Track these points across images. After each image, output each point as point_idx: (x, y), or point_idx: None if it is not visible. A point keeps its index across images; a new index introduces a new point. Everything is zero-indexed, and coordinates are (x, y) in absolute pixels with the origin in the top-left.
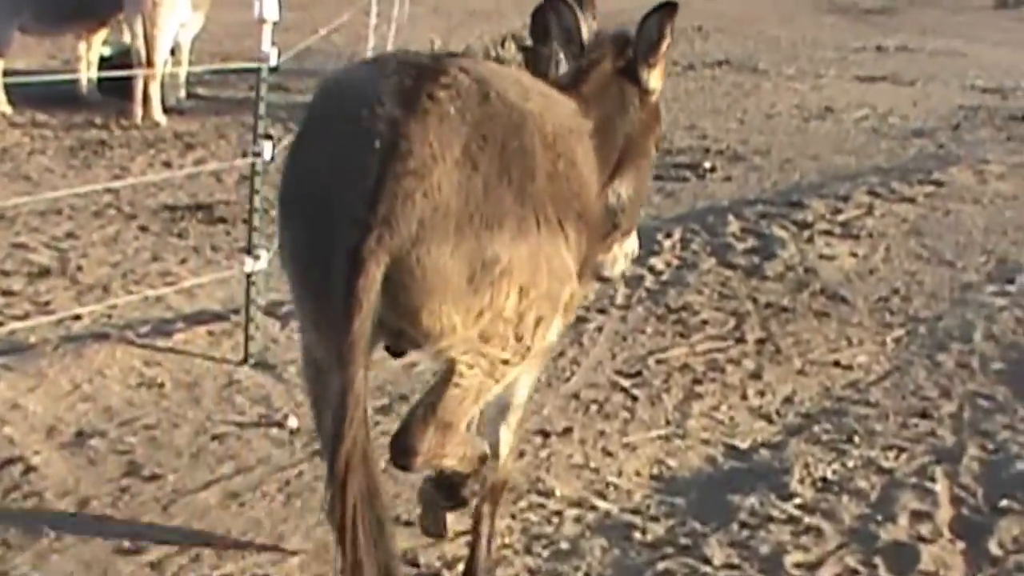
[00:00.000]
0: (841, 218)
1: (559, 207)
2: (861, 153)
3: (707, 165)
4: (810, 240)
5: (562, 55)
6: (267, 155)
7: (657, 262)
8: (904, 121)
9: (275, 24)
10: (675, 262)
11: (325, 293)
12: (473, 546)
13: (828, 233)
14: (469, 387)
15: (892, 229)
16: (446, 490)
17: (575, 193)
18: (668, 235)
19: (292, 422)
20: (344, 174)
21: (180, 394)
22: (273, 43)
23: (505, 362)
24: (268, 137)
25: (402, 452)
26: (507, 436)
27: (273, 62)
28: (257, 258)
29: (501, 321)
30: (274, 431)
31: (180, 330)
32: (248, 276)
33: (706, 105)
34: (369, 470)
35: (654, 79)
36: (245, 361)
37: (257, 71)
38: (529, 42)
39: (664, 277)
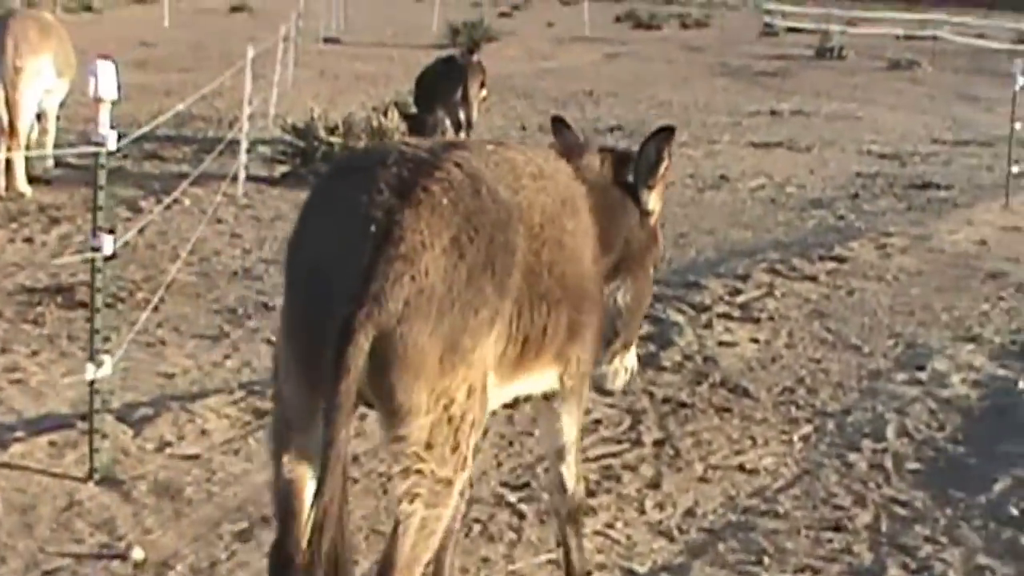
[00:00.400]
0: (740, 299)
1: (539, 298)
2: (759, 226)
3: None
4: (708, 325)
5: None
6: (107, 249)
7: None
8: (802, 190)
9: (114, 103)
10: None
11: (316, 356)
12: (567, 560)
13: (727, 316)
14: (419, 521)
15: (794, 311)
16: None
17: (564, 274)
18: None
19: (137, 553)
20: (343, 252)
21: (12, 519)
22: (114, 125)
23: (446, 481)
24: (111, 232)
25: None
26: (568, 472)
27: (112, 146)
28: (100, 364)
29: (446, 420)
30: (115, 564)
31: (19, 439)
32: (91, 384)
33: None
34: (340, 522)
35: (653, 200)
36: (90, 477)
37: (95, 156)
38: (413, 110)
39: None
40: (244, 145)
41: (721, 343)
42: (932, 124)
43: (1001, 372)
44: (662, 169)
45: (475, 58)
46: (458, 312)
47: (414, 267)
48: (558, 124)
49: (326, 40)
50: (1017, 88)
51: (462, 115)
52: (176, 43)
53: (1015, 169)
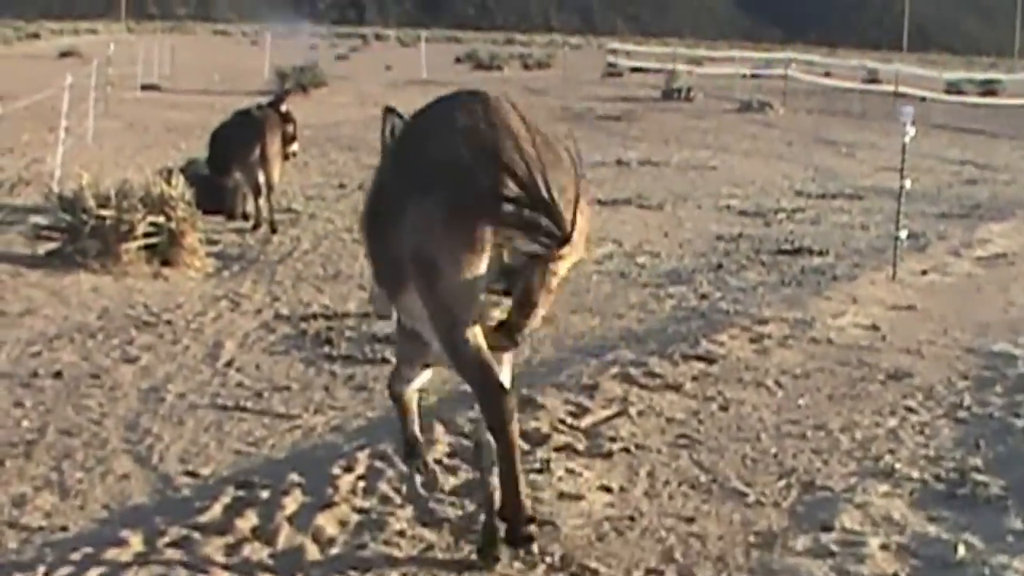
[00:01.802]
0: (586, 423)
1: None
2: (607, 311)
3: None
4: (546, 467)
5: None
6: None
7: (326, 521)
8: (656, 260)
9: None
10: (354, 518)
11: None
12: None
13: (570, 451)
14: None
15: (656, 438)
16: None
17: None
18: (348, 467)
19: None
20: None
21: None
22: None
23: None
24: None
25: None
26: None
27: None
28: None
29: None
30: None
31: None
32: None
33: None
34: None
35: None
36: None
37: None
38: (205, 171)
39: (335, 550)
40: None
41: (562, 495)
42: (793, 173)
43: (932, 529)
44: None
45: (284, 107)
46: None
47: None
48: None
49: (144, 87)
50: (907, 140)
51: (261, 177)
52: None
53: (903, 233)
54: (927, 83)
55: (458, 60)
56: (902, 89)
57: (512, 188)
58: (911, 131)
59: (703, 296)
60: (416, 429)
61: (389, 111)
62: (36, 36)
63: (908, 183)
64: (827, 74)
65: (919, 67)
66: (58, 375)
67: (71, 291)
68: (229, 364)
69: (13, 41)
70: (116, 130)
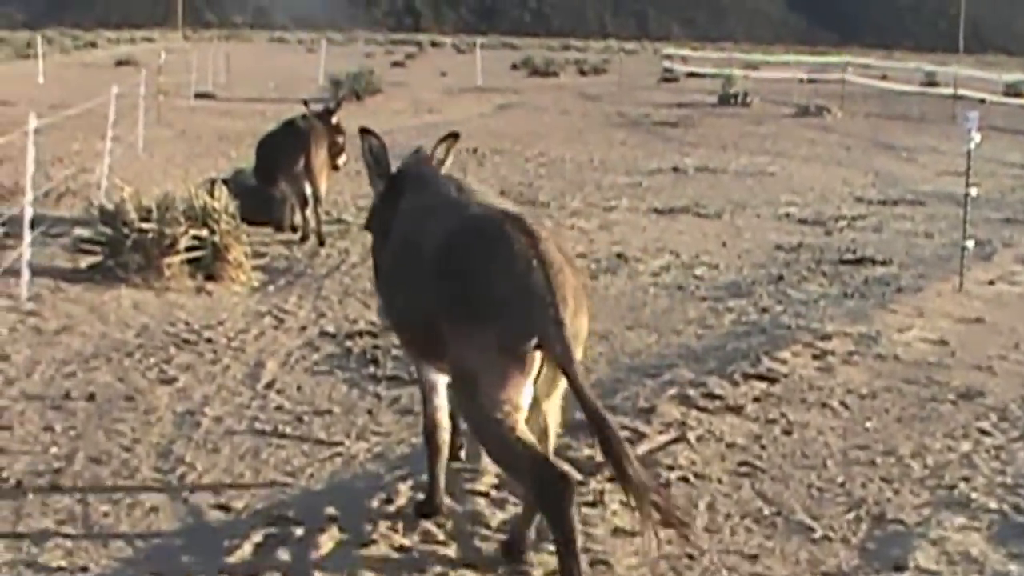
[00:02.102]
0: (643, 450)
1: None
2: (664, 326)
3: None
4: (599, 500)
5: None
6: None
7: (363, 562)
8: (714, 272)
9: None
10: (394, 557)
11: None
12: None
13: None
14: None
15: (716, 466)
16: None
17: None
18: (388, 500)
19: None
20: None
21: None
22: None
23: None
24: None
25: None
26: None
27: None
28: None
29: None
30: None
31: None
32: None
33: None
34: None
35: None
36: None
37: None
38: (252, 181)
39: None
40: (27, 228)
41: (617, 531)
42: (852, 179)
43: (1014, 569)
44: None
45: (334, 119)
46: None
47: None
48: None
49: (198, 95)
50: (972, 146)
51: (307, 188)
52: (37, 103)
53: (969, 243)
54: (986, 85)
55: (514, 66)
56: (961, 92)
57: (563, 322)
58: (976, 137)
59: (764, 310)
60: (442, 479)
61: (366, 132)
62: (93, 45)
63: (974, 190)
64: (883, 77)
65: (976, 69)
66: (91, 397)
67: (111, 307)
68: (270, 385)
69: (71, 50)
70: (167, 139)
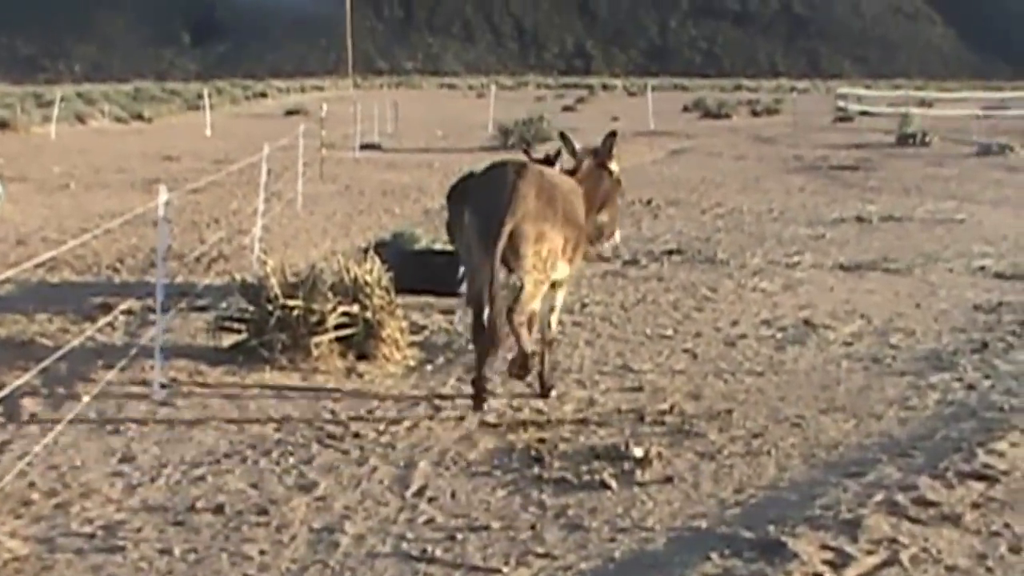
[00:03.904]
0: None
1: (570, 221)
2: (860, 408)
3: (637, 453)
4: None
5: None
6: None
7: None
8: (911, 339)
9: None
10: None
11: (485, 239)
12: (542, 373)
13: None
14: (529, 293)
15: None
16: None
17: (575, 217)
18: None
19: None
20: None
21: None
22: None
23: (542, 281)
24: None
25: (511, 316)
26: (554, 319)
27: None
28: None
29: (542, 260)
30: None
31: None
32: None
33: (645, 327)
34: (496, 304)
35: (615, 167)
36: None
37: None
38: (412, 247)
39: None
40: (160, 311)
41: None
42: None
43: None
44: (613, 151)
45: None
46: (542, 220)
47: (525, 201)
48: (564, 138)
49: (364, 146)
50: None
51: None
52: (201, 156)
53: None
54: None
55: (685, 108)
56: None
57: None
58: None
59: (970, 386)
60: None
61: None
62: (264, 95)
63: None
64: None
65: None
66: (219, 509)
67: (251, 393)
68: (420, 492)
69: (241, 100)
70: (329, 194)
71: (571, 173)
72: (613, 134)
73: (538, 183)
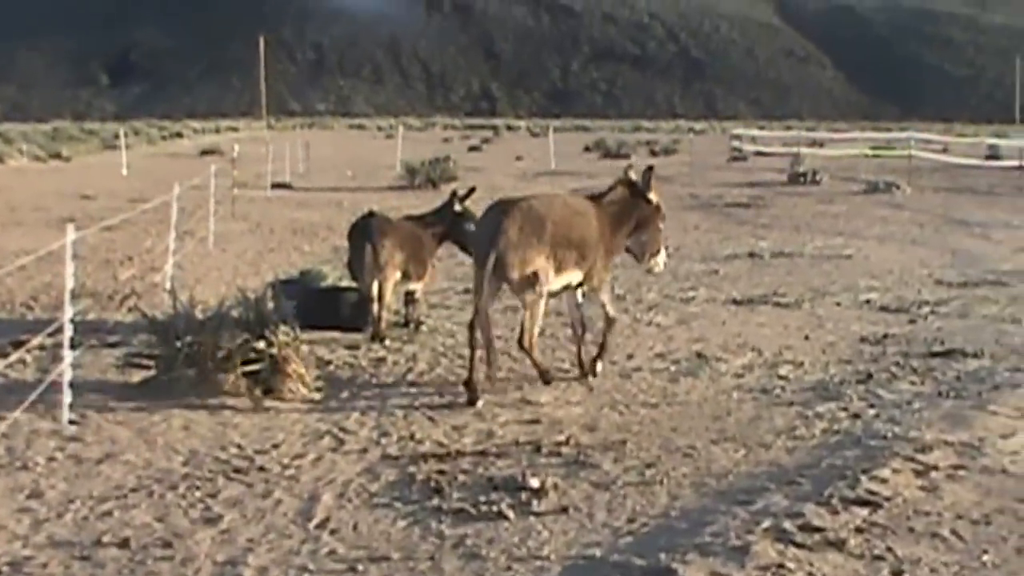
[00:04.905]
0: None
1: (566, 241)
2: (750, 437)
3: (533, 484)
4: None
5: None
6: None
7: None
8: (799, 371)
9: None
10: None
11: (480, 264)
12: (601, 348)
13: None
14: (529, 316)
15: None
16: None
17: (576, 236)
18: None
19: None
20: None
21: None
22: None
23: (536, 299)
24: None
25: (521, 341)
26: (609, 306)
27: None
28: None
29: (528, 280)
30: None
31: None
32: None
33: (546, 356)
34: (487, 318)
35: (654, 196)
36: None
37: None
38: (319, 283)
39: None
40: (67, 347)
41: None
42: (930, 259)
43: None
44: (652, 182)
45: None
46: (521, 247)
47: (506, 236)
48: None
49: (275, 185)
50: None
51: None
52: (116, 195)
53: None
54: None
55: (587, 148)
56: None
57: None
58: None
59: (855, 415)
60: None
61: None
62: (179, 135)
63: None
64: (944, 150)
65: None
66: (125, 543)
67: (159, 429)
68: (323, 524)
69: (157, 140)
70: (240, 232)
71: (599, 198)
72: (651, 168)
73: (522, 218)
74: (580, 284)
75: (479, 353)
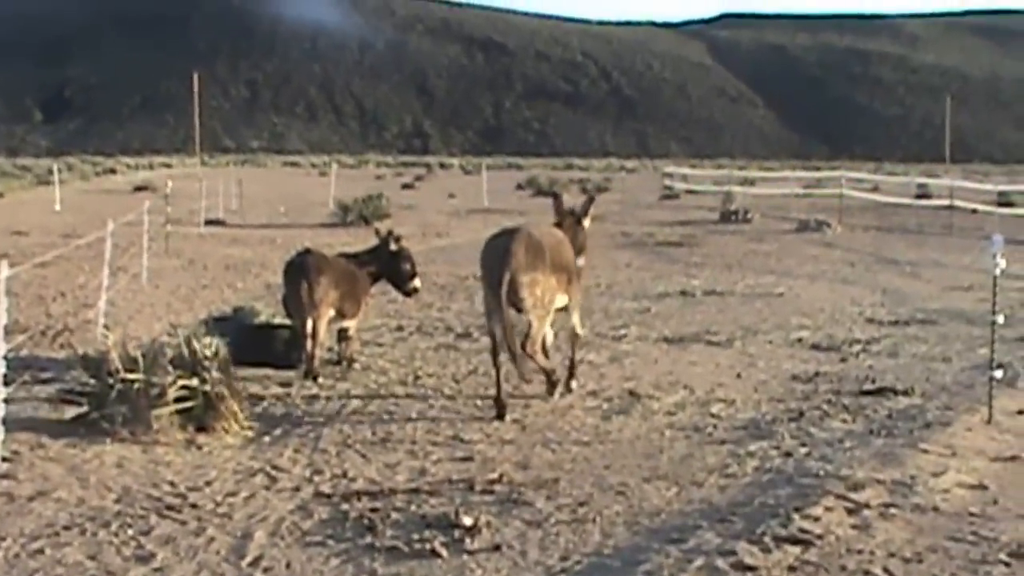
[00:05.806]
0: None
1: (560, 265)
2: (683, 476)
3: (466, 521)
4: None
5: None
6: None
7: None
8: (731, 409)
9: None
10: None
11: (494, 288)
12: (570, 368)
13: None
14: (535, 328)
15: None
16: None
17: (565, 260)
18: None
19: None
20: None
21: None
22: None
23: (543, 315)
24: None
25: (525, 347)
26: (578, 326)
27: None
28: None
29: (539, 298)
30: None
31: None
32: None
33: (476, 398)
34: (509, 334)
35: (587, 223)
36: None
37: None
38: (252, 320)
39: None
40: (1, 382)
41: None
42: (860, 297)
43: None
44: (590, 210)
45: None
46: (532, 270)
47: (516, 258)
48: (556, 199)
49: (208, 222)
50: (998, 272)
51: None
52: (50, 231)
53: (997, 373)
54: (977, 195)
55: (519, 186)
56: (956, 203)
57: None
58: (1001, 263)
59: (787, 453)
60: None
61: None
62: (113, 171)
63: (1000, 316)
64: (875, 189)
65: (964, 178)
66: None
67: (92, 466)
68: (256, 562)
69: (91, 176)
70: (174, 269)
71: (557, 226)
72: (591, 199)
73: (526, 243)
74: (564, 307)
75: (503, 371)
